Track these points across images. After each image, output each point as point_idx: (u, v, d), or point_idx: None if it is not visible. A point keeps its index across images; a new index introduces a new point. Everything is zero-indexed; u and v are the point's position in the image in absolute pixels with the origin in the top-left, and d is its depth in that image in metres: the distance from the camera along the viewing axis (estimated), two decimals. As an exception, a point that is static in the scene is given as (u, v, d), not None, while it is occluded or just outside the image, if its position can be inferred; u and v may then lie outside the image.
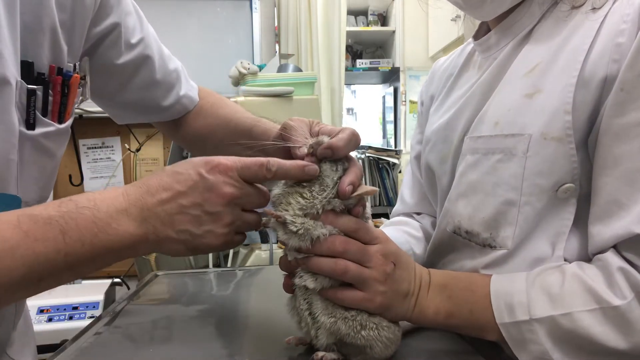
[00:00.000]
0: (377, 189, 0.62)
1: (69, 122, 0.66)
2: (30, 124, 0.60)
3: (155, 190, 0.48)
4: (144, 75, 0.78)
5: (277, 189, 0.52)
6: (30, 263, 0.43)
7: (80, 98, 0.68)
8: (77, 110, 0.81)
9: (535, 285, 0.51)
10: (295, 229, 0.49)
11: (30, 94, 0.59)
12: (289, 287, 0.53)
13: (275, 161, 0.50)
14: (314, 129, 0.56)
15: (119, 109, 0.84)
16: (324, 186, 0.50)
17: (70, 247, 0.44)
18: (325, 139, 0.51)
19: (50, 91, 0.62)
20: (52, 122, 0.63)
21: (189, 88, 0.86)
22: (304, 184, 0.50)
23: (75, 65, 0.66)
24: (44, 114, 0.62)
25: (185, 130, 0.88)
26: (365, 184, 0.53)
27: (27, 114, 0.59)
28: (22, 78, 0.57)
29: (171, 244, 0.49)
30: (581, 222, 0.54)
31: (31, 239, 0.42)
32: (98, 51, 0.72)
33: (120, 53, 0.74)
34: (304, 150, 0.52)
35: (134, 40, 0.75)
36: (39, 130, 0.61)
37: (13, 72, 0.56)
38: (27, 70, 0.58)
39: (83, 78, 0.68)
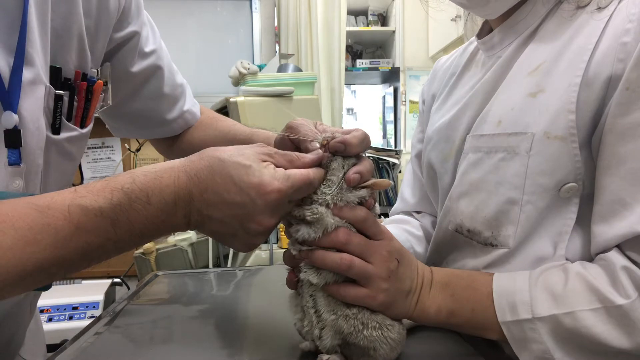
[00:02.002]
0: (391, 182, 0.61)
1: (89, 127, 0.67)
2: (55, 129, 0.61)
3: (204, 188, 0.47)
4: (153, 86, 0.79)
5: None
6: (83, 251, 0.44)
7: (102, 104, 0.69)
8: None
9: (538, 284, 0.51)
10: (310, 218, 0.49)
11: (58, 99, 0.59)
12: (292, 282, 0.52)
13: (315, 172, 0.49)
14: (318, 128, 0.56)
15: (123, 119, 0.84)
16: (329, 183, 0.50)
17: (120, 236, 0.45)
18: (337, 134, 0.51)
19: (75, 96, 0.62)
20: (75, 127, 0.64)
21: (192, 104, 0.87)
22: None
23: (97, 71, 0.67)
24: (68, 119, 0.62)
25: (182, 144, 0.88)
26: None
27: (54, 118, 0.60)
28: (50, 83, 0.58)
29: (203, 232, 0.51)
30: (583, 221, 0.54)
31: (82, 230, 0.43)
32: (115, 57, 0.73)
33: (135, 61, 0.75)
34: (316, 144, 0.52)
35: (147, 50, 0.76)
36: (63, 134, 0.62)
37: (42, 78, 0.57)
38: (55, 75, 0.59)
39: (105, 84, 0.68)
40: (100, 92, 0.66)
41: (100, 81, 0.66)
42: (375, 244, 0.51)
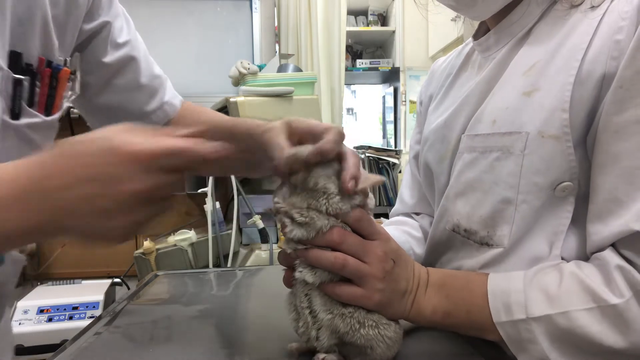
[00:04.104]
0: (384, 178, 0.58)
1: (56, 115, 0.66)
2: (15, 114, 0.60)
3: (51, 173, 0.42)
4: (129, 77, 0.78)
5: (280, 200, 0.51)
6: None
7: (70, 93, 0.69)
8: (77, 110, 0.81)
9: (533, 284, 0.51)
10: (299, 220, 0.49)
11: (17, 83, 0.59)
12: (289, 280, 0.53)
13: (192, 142, 0.44)
14: (294, 130, 0.54)
15: (102, 113, 0.82)
16: (317, 195, 0.49)
17: None
18: (305, 151, 0.48)
19: (37, 82, 0.62)
20: (38, 114, 0.63)
21: (172, 95, 0.86)
22: (310, 195, 0.49)
23: (66, 60, 0.66)
24: (30, 105, 0.62)
25: None
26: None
27: (13, 103, 0.59)
28: (9, 67, 0.58)
29: (71, 235, 0.45)
30: (579, 221, 0.54)
31: None
32: (87, 48, 0.73)
33: (107, 51, 0.75)
34: (281, 165, 0.49)
35: (121, 40, 0.76)
36: (23, 120, 0.61)
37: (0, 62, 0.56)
38: (15, 60, 0.59)
39: (73, 73, 0.68)
40: (66, 80, 0.66)
41: (66, 69, 0.65)
42: (370, 243, 0.51)
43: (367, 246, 0.51)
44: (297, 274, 0.51)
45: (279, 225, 1.56)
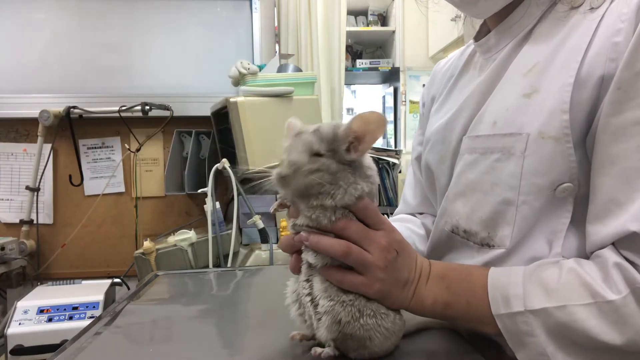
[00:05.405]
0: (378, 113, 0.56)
1: None
2: None
3: None
4: None
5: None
6: None
7: None
8: (76, 110, 0.79)
9: (532, 278, 0.52)
10: (309, 215, 0.50)
11: None
12: (297, 265, 0.53)
13: None
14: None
15: None
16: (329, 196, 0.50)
17: None
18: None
19: None
20: None
21: None
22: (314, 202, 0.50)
23: None
24: None
25: None
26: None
27: None
28: None
29: None
30: (579, 221, 0.54)
31: None
32: None
33: None
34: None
35: None
36: None
37: None
38: None
39: None
40: None
41: None
42: (374, 233, 0.52)
43: (371, 235, 0.51)
44: (302, 255, 0.52)
45: (279, 225, 1.56)
